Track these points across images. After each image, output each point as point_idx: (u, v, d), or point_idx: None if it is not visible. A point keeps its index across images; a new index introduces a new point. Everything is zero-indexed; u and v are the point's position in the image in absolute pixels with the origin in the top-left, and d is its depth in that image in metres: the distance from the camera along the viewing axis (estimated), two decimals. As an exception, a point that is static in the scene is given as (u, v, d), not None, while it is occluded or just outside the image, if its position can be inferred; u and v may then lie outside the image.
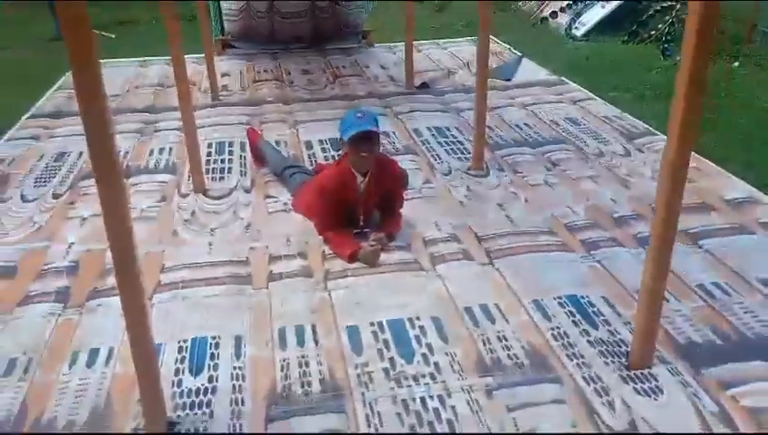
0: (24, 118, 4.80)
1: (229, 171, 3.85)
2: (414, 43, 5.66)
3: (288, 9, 6.59)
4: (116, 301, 2.48)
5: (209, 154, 4.06)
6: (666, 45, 6.71)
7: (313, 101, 5.14)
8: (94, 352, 2.34)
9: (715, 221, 3.18)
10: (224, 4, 6.53)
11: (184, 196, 3.55)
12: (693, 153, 3.91)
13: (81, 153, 4.10)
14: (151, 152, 4.14)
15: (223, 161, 3.99)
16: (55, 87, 5.55)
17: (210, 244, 3.06)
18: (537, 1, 9.22)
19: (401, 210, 3.16)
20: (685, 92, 1.85)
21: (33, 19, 8.30)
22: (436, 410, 2.05)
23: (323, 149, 4.14)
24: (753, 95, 5.31)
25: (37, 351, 2.36)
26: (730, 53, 6.45)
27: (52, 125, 4.65)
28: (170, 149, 4.17)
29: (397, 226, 3.09)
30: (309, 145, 4.23)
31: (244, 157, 4.02)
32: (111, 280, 2.69)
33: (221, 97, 5.20)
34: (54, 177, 3.81)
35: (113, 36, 7.75)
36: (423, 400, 2.09)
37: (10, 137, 4.44)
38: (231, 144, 4.23)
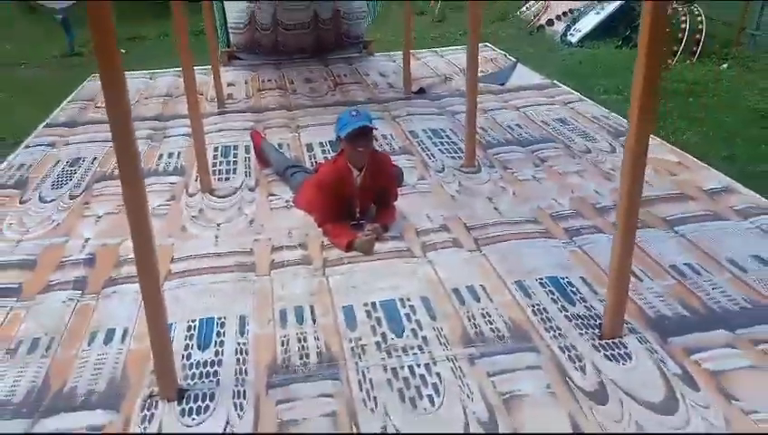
0: (40, 127, 5.06)
1: (234, 172, 4.07)
2: (413, 51, 5.91)
3: (291, 21, 6.85)
4: (130, 288, 2.75)
5: (215, 157, 4.29)
6: (657, 49, 6.90)
7: (315, 107, 5.38)
8: (111, 332, 2.55)
9: (692, 209, 3.36)
10: (230, 18, 6.80)
11: (192, 195, 3.77)
12: (677, 149, 4.16)
13: (94, 158, 4.35)
14: (161, 156, 4.37)
15: (228, 163, 4.21)
16: (69, 99, 5.82)
17: (216, 237, 3.28)
18: (538, 4, 9.45)
19: (395, 203, 3.36)
20: (641, 86, 2.04)
21: (48, 37, 8.62)
22: (422, 376, 2.24)
23: (323, 151, 4.36)
24: (740, 95, 5.48)
25: (58, 332, 2.57)
26: (719, 55, 6.64)
27: (67, 133, 4.90)
28: (179, 153, 4.41)
29: (391, 217, 3.29)
30: (310, 147, 4.45)
31: (249, 159, 4.24)
32: (125, 270, 2.93)
33: (227, 105, 5.44)
34: (70, 180, 4.04)
35: (124, 51, 8.04)
36: (411, 367, 2.29)
37: (28, 144, 4.69)
38: (236, 148, 4.45)
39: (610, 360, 2.28)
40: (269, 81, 6.23)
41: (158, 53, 7.54)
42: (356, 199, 3.24)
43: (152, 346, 2.15)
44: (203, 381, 2.26)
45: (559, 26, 8.69)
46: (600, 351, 2.32)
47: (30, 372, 2.36)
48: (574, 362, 2.27)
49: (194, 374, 2.30)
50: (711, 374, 2.19)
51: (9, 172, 4.19)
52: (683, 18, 6.89)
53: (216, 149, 4.42)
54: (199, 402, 2.17)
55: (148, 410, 2.15)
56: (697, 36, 6.76)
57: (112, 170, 4.08)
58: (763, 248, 2.95)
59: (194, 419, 2.10)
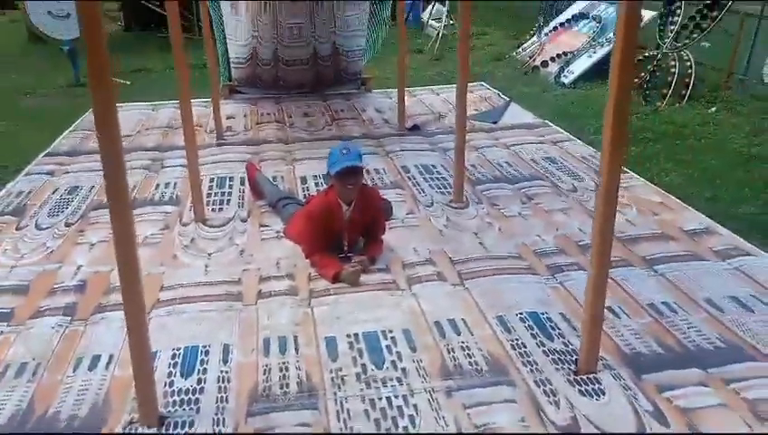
0: (40, 156, 5.17)
1: (228, 203, 4.16)
2: (409, 89, 6.06)
3: (292, 58, 7.02)
4: (117, 315, 2.81)
5: (210, 188, 4.38)
6: (647, 92, 7.07)
7: (311, 140, 5.50)
8: (96, 358, 2.60)
9: (672, 249, 3.43)
10: (232, 53, 6.98)
11: (185, 224, 3.85)
12: (661, 190, 4.24)
13: (92, 187, 4.44)
14: (157, 186, 4.46)
15: (223, 194, 4.31)
16: (71, 128, 5.94)
17: (206, 266, 3.34)
18: (533, 46, 9.69)
19: (383, 237, 3.44)
20: (612, 122, 2.14)
21: (55, 67, 8.81)
22: (399, 407, 2.29)
23: (317, 184, 4.45)
24: (726, 138, 5.60)
25: (45, 357, 2.62)
26: (708, 99, 6.79)
27: (67, 162, 5.01)
28: (175, 183, 4.50)
29: (378, 250, 3.36)
30: (304, 180, 4.55)
31: (243, 190, 4.34)
32: (114, 297, 2.99)
33: (225, 137, 5.57)
34: (67, 208, 4.13)
35: (129, 83, 8.23)
36: (389, 398, 2.33)
37: (28, 172, 4.79)
38: (231, 179, 4.55)
39: (584, 395, 2.32)
40: (268, 114, 6.37)
41: (161, 85, 7.71)
42: (344, 232, 3.32)
43: (134, 374, 2.20)
44: (184, 409, 2.31)
45: (553, 68, 8.88)
46: (574, 386, 2.37)
47: (16, 396, 2.40)
48: (548, 397, 2.32)
49: (175, 401, 2.35)
50: (682, 411, 2.24)
51: (8, 199, 4.28)
52: (672, 63, 7.08)
53: (211, 180, 4.51)
54: (179, 429, 2.21)
55: (126, 443, 2.18)
56: (687, 80, 6.92)
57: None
58: (739, 290, 3.01)
59: (172, 445, 2.14)
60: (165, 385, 2.42)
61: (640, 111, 6.60)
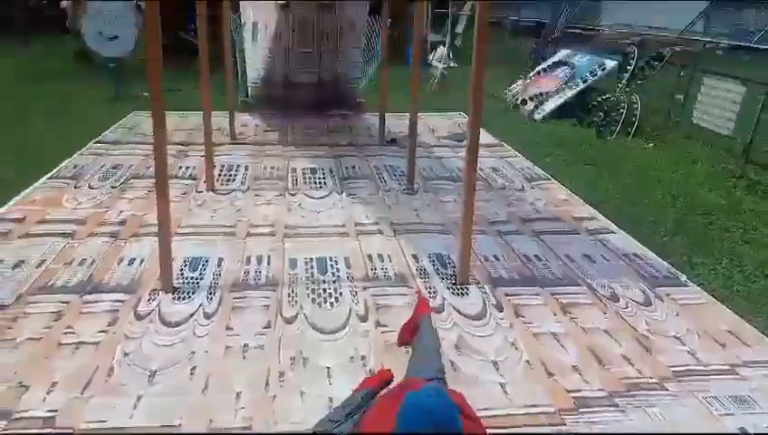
0: (91, 142, 6.49)
1: (233, 180, 5.42)
2: (397, 113, 7.34)
3: (300, 81, 8.38)
4: (148, 239, 4.02)
5: (221, 171, 5.65)
6: (600, 129, 8.29)
7: (306, 145, 6.78)
8: (133, 260, 3.82)
9: (558, 227, 4.60)
10: (249, 75, 8.36)
11: (199, 192, 5.11)
12: (567, 191, 5.41)
13: (131, 165, 5.73)
14: (180, 167, 5.74)
15: (230, 175, 5.56)
16: (115, 126, 7.29)
17: (212, 216, 4.58)
18: (517, 87, 11.00)
19: None
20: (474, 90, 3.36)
21: (103, 80, 10.28)
22: (330, 293, 3.47)
23: (304, 173, 5.70)
24: (651, 166, 6.77)
25: (99, 256, 3.85)
26: (648, 136, 7.98)
27: (111, 148, 6.32)
28: (194, 166, 5.78)
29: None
30: (294, 171, 5.81)
31: (247, 175, 5.59)
32: (145, 229, 4.21)
33: (237, 139, 6.87)
34: (112, 177, 5.41)
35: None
36: (324, 289, 3.51)
37: (82, 153, 6.11)
38: (238, 166, 5.82)
39: (454, 294, 3.49)
40: (274, 124, 7.69)
41: (190, 101, 9.09)
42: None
43: (160, 260, 3.41)
44: (189, 285, 3.51)
45: (530, 106, 10.17)
46: (450, 289, 3.54)
47: (81, 273, 3.62)
48: (431, 293, 3.49)
49: (184, 282, 3.55)
50: (514, 305, 3.39)
51: (66, 170, 5.58)
52: (622, 104, 8.32)
53: (222, 166, 5.79)
54: (184, 295, 3.41)
55: (153, 296, 3.39)
56: (633, 119, 8.15)
57: (143, 173, 5.45)
58: (593, 251, 4.17)
59: (180, 301, 3.34)
60: (177, 275, 3.62)
61: (592, 142, 7.81)
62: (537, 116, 9.60)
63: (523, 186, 5.58)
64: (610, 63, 9.51)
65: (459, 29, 16.80)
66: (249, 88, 8.48)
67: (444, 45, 14.43)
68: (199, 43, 5.03)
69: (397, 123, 7.21)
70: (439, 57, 14.22)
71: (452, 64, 14.06)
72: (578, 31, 13.96)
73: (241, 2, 8.03)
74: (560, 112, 9.47)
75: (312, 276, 3.67)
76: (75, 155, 6.02)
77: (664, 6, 14.93)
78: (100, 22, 10.05)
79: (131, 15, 9.97)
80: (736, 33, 14.16)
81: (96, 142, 6.52)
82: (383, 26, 7.44)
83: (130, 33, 10.08)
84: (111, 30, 10.11)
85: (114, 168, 5.69)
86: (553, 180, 5.73)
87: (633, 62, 8.79)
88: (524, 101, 10.53)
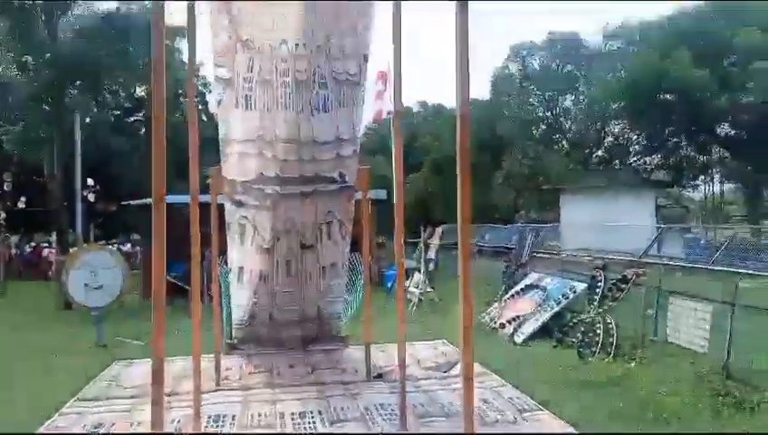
0: (72, 400, 6.33)
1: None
2: (382, 344, 7.45)
3: (284, 319, 8.55)
4: None
5: (207, 421, 5.49)
6: (580, 350, 8.45)
7: (292, 386, 6.70)
8: None
9: None
10: (234, 316, 8.54)
11: (185, 448, 4.91)
12: (563, 422, 5.36)
13: (112, 424, 5.54)
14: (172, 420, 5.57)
15: (215, 427, 5.40)
16: (96, 378, 7.17)
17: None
18: (495, 311, 11.33)
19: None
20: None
21: (84, 327, 10.34)
22: None
23: (293, 418, 5.57)
24: (638, 386, 6.82)
25: None
26: (629, 355, 8.13)
27: (91, 406, 6.16)
28: (179, 419, 5.61)
29: None
30: (282, 415, 5.67)
31: (234, 422, 5.44)
32: None
33: (222, 384, 6.78)
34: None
35: (142, 343, 9.64)
36: None
37: (61, 412, 5.93)
38: (224, 416, 5.68)
39: None
40: (258, 365, 7.66)
41: (170, 344, 9.11)
42: None
43: None
44: None
45: (509, 329, 10.42)
46: None
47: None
48: None
49: None
50: None
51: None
52: (598, 325, 8.61)
53: (209, 417, 5.63)
54: None
55: None
56: (611, 340, 8.36)
57: (127, 431, 5.27)
58: None
59: None
60: None
61: (573, 364, 7.92)
62: (517, 338, 9.80)
63: (515, 418, 5.50)
64: (580, 286, 10.04)
65: (431, 254, 17.77)
66: (234, 329, 8.59)
67: (419, 272, 15.14)
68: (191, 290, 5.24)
69: (380, 355, 7.26)
70: (416, 283, 14.82)
71: (428, 289, 14.60)
72: (543, 255, 14.88)
73: (229, 251, 8.54)
74: (539, 334, 9.71)
75: None
76: (55, 416, 5.83)
77: (618, 230, 16.35)
78: (86, 273, 10.42)
79: (118, 268, 10.37)
80: (691, 255, 15.47)
81: (77, 400, 6.35)
82: (363, 263, 7.91)
83: (116, 282, 10.42)
84: (97, 280, 10.45)
85: (96, 428, 5.49)
86: (544, 410, 5.68)
87: (601, 284, 9.30)
88: (503, 325, 10.81)
